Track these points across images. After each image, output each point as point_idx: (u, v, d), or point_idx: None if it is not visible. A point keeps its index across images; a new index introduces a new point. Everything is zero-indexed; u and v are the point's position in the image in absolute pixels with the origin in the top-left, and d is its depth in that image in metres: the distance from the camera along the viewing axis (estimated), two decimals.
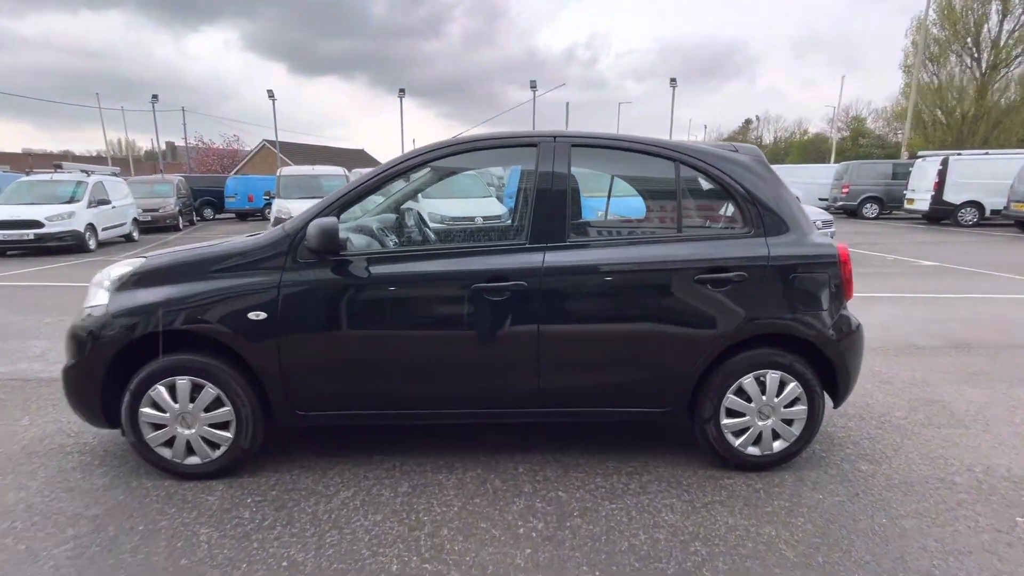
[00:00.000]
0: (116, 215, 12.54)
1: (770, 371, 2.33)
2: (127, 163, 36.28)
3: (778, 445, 2.39)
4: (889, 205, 17.42)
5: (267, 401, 2.30)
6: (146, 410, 2.25)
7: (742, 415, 2.36)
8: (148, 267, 2.29)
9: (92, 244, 11.23)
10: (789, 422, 2.38)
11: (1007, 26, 31.40)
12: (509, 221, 3.98)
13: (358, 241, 2.51)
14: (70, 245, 10.73)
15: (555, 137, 2.36)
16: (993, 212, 14.10)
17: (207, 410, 2.27)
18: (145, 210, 14.94)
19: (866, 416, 3.03)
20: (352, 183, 2.33)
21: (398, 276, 2.24)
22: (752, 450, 2.39)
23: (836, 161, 28.44)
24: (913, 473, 2.41)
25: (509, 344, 2.25)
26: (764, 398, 2.34)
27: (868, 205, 17.57)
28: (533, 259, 2.24)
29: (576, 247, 2.29)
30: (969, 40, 32.21)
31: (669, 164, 2.39)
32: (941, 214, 14.79)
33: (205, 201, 20.45)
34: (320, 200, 2.31)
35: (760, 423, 2.37)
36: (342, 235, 2.42)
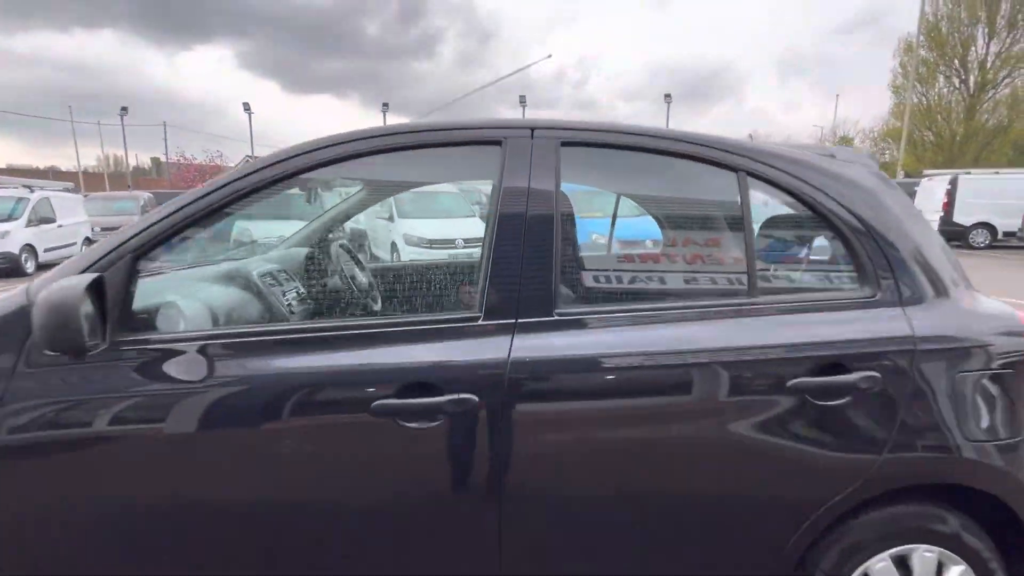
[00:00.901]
0: (63, 235, 11.47)
1: (920, 547, 1.30)
2: (102, 179, 35.06)
3: None
4: None
5: None
6: None
7: None
8: None
9: (30, 267, 10.16)
10: None
11: (993, 48, 31.68)
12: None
13: (196, 310, 1.46)
14: (3, 268, 9.65)
15: (532, 129, 1.36)
16: (1006, 234, 13.42)
17: None
18: (103, 228, 13.88)
19: None
20: (165, 208, 1.30)
21: (234, 383, 1.20)
22: None
23: None
24: None
25: (444, 512, 1.21)
26: None
27: None
28: (490, 349, 1.22)
29: (570, 324, 1.26)
30: (956, 61, 32.49)
31: (729, 177, 1.38)
32: (951, 236, 14.03)
33: None
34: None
35: None
36: (160, 299, 1.39)
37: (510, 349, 1.21)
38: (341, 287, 1.88)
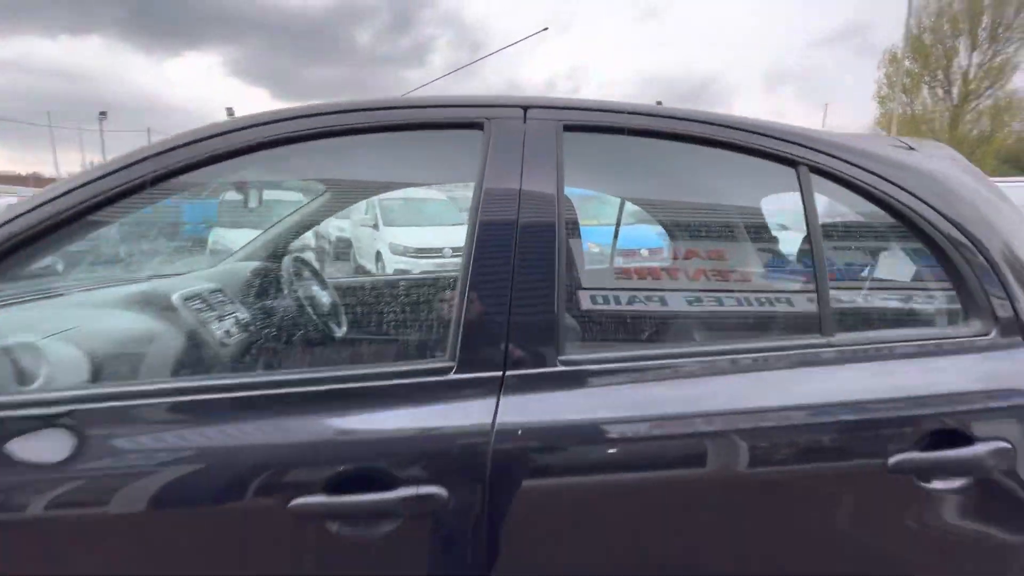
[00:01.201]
0: None
1: None
2: None
3: None
4: None
5: None
6: None
7: None
8: None
9: None
10: None
11: (976, 59, 32.29)
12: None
13: (67, 356, 1.08)
14: None
15: (525, 109, 1.00)
16: None
17: None
18: None
19: None
20: (6, 211, 0.93)
21: (107, 467, 0.83)
22: None
23: None
24: None
25: None
26: None
27: None
28: (466, 415, 0.85)
29: (580, 376, 0.90)
30: (940, 72, 33.08)
31: (787, 174, 1.04)
32: None
33: None
34: None
35: None
36: (8, 340, 1.02)
37: (495, 414, 0.85)
38: (285, 317, 1.49)
